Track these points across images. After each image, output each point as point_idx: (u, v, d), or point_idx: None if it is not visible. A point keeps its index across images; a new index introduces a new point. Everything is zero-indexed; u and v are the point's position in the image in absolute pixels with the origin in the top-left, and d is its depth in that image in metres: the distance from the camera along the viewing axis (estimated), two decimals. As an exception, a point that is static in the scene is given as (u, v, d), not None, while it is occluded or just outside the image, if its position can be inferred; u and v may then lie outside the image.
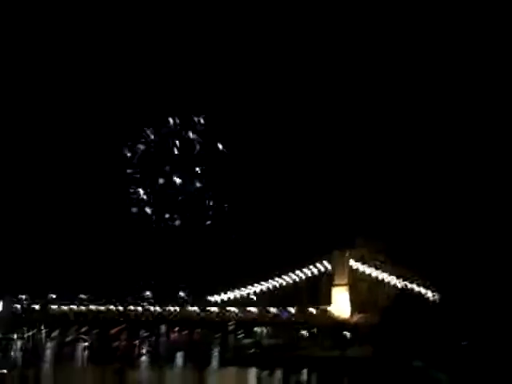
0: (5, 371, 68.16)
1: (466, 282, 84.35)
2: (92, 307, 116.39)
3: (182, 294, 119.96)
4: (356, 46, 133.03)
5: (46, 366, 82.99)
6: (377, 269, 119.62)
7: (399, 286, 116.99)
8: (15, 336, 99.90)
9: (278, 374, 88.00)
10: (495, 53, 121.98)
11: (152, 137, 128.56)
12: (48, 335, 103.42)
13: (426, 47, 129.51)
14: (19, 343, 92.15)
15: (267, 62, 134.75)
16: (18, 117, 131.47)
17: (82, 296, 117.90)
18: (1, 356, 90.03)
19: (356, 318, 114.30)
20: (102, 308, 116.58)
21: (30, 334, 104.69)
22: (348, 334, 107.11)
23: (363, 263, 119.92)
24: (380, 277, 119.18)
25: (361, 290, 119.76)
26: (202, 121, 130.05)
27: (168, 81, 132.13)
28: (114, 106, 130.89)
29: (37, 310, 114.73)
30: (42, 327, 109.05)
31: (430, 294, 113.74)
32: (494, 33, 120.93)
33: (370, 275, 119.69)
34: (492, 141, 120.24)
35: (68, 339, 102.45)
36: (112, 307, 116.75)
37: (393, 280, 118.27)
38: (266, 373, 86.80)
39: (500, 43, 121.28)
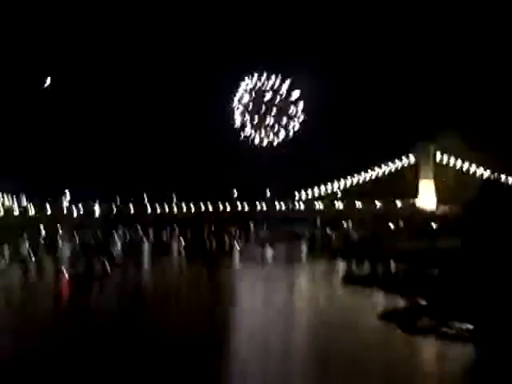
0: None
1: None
2: (184, 207, 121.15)
3: (268, 192, 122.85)
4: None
5: (145, 258, 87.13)
6: (462, 160, 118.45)
7: (486, 176, 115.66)
8: (115, 235, 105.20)
9: (367, 264, 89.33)
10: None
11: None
12: (144, 234, 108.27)
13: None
14: (118, 241, 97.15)
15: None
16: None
17: (173, 195, 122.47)
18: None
19: (442, 209, 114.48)
20: (193, 207, 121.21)
21: (127, 233, 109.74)
22: (435, 226, 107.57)
23: (449, 154, 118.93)
24: (466, 168, 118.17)
25: (447, 181, 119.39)
26: None
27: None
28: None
29: (132, 210, 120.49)
30: (138, 227, 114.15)
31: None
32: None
33: (455, 166, 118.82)
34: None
35: (163, 238, 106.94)
36: (202, 206, 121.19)
37: (480, 170, 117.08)
38: (354, 263, 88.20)
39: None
